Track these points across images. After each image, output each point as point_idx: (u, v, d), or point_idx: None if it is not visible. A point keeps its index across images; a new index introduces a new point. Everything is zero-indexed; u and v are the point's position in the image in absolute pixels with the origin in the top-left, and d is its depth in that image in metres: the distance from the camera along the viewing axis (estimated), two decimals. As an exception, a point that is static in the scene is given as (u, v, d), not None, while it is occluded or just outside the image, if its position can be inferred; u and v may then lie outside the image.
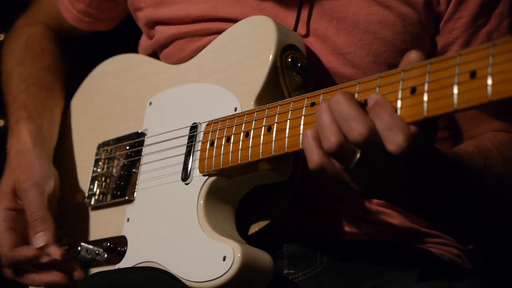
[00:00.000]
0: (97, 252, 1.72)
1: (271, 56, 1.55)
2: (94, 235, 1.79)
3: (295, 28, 1.63)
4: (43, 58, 2.00)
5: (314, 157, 1.29)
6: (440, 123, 1.69)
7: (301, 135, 1.38)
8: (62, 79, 2.00)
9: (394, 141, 1.22)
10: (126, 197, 1.73)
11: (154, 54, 1.88)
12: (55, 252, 1.68)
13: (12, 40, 2.08)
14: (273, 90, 1.54)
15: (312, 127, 1.30)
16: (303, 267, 1.67)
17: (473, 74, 1.16)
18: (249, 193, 1.60)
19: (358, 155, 1.26)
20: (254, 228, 1.59)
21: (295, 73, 1.55)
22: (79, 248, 1.72)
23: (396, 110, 1.24)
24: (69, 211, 1.86)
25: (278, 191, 1.58)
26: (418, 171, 1.31)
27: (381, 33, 1.61)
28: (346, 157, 1.26)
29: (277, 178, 1.54)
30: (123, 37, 2.07)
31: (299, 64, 1.55)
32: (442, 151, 1.41)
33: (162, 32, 1.79)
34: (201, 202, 1.56)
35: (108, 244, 1.71)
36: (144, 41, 1.90)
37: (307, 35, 1.65)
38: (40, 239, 1.68)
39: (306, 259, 1.67)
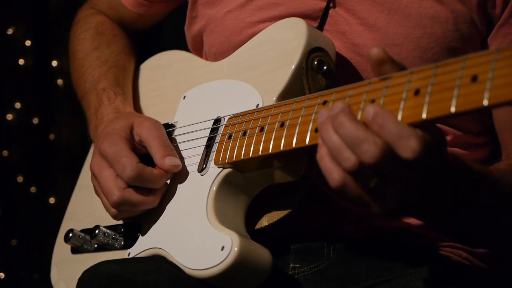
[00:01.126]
0: (113, 236, 1.73)
1: (297, 57, 1.57)
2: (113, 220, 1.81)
3: (326, 8, 1.65)
4: (117, 42, 2.03)
5: (335, 176, 1.27)
6: (475, 128, 1.71)
7: (309, 132, 1.39)
8: (135, 61, 2.03)
9: (408, 147, 1.19)
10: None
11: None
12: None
13: (80, 28, 2.09)
14: (296, 91, 1.56)
15: (322, 148, 1.29)
16: (310, 262, 1.67)
17: (474, 78, 1.16)
18: (265, 189, 1.61)
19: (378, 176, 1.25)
20: (264, 222, 1.61)
21: (320, 76, 1.56)
22: (97, 231, 1.73)
23: (398, 112, 1.24)
24: (95, 196, 1.88)
25: (292, 189, 1.59)
26: (439, 180, 1.30)
27: (432, 28, 1.60)
28: (367, 176, 1.25)
29: (290, 178, 1.56)
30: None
31: (325, 67, 1.56)
32: (466, 162, 1.40)
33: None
34: (212, 193, 1.59)
35: (123, 229, 1.74)
36: (190, 26, 1.92)
37: (350, 18, 1.65)
38: (171, 160, 1.64)
39: (313, 254, 1.68)
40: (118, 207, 1.66)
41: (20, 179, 2.72)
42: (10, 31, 2.77)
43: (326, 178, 1.28)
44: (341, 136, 1.24)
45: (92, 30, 2.05)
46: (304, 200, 1.60)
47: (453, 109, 1.17)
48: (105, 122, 1.78)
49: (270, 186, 1.62)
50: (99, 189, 1.69)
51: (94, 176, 1.71)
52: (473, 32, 1.62)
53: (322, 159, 1.28)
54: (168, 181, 1.69)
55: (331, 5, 1.67)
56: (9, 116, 2.77)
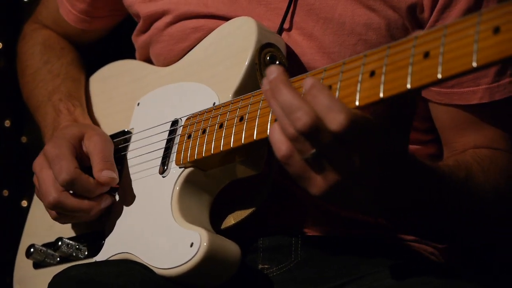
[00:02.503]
0: (77, 246, 1.75)
1: (249, 53, 1.59)
2: (77, 230, 1.82)
3: (281, 26, 1.67)
4: (65, 54, 2.05)
5: (282, 147, 1.29)
6: (423, 126, 1.74)
7: (269, 123, 1.41)
8: (85, 73, 2.05)
9: (335, 120, 1.22)
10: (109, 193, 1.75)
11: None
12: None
13: (27, 44, 2.12)
14: (251, 87, 1.57)
15: (274, 123, 1.31)
16: (278, 262, 1.68)
17: (426, 54, 1.19)
18: (228, 188, 1.63)
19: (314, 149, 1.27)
20: (231, 221, 1.62)
21: None
22: (60, 243, 1.74)
23: (356, 94, 1.27)
24: None
25: (255, 185, 1.61)
26: (377, 166, 1.30)
27: (366, 35, 1.63)
28: (306, 147, 1.27)
29: (251, 171, 1.58)
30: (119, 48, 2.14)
31: (277, 62, 1.59)
32: (415, 156, 1.41)
33: (154, 27, 1.84)
34: (175, 193, 1.60)
35: (86, 239, 1.75)
36: (136, 37, 1.93)
37: (289, 29, 1.67)
38: (107, 172, 1.66)
39: (281, 253, 1.68)
40: (52, 209, 1.68)
41: (-9, 182, 2.71)
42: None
43: (275, 151, 1.30)
44: (279, 103, 1.27)
45: (39, 45, 2.07)
46: (269, 198, 1.61)
47: (409, 86, 1.21)
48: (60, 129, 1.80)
49: (234, 187, 1.62)
50: (39, 189, 1.71)
51: (35, 175, 1.72)
52: (406, 36, 1.64)
53: (272, 129, 1.30)
54: (129, 189, 1.70)
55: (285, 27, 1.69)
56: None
